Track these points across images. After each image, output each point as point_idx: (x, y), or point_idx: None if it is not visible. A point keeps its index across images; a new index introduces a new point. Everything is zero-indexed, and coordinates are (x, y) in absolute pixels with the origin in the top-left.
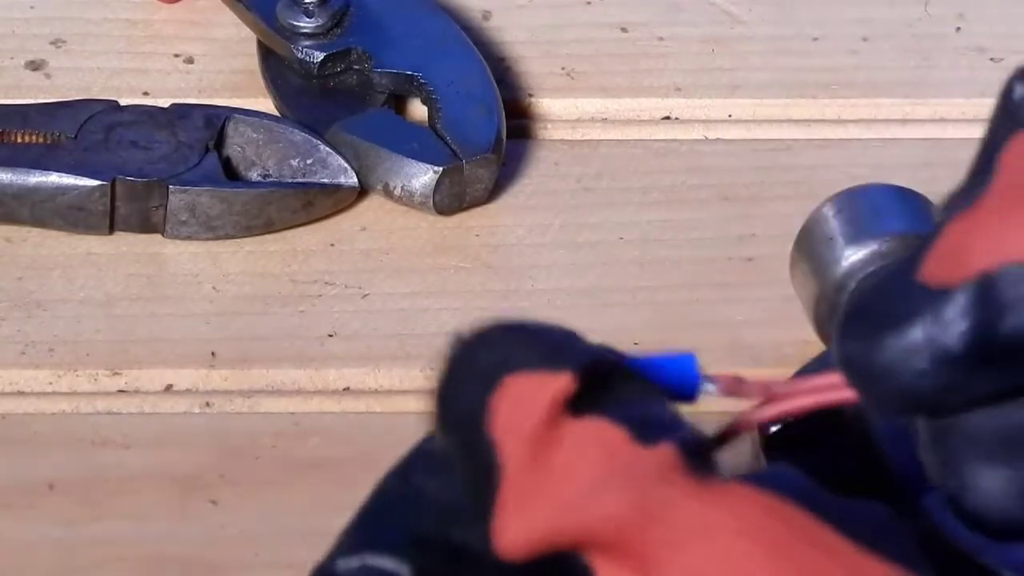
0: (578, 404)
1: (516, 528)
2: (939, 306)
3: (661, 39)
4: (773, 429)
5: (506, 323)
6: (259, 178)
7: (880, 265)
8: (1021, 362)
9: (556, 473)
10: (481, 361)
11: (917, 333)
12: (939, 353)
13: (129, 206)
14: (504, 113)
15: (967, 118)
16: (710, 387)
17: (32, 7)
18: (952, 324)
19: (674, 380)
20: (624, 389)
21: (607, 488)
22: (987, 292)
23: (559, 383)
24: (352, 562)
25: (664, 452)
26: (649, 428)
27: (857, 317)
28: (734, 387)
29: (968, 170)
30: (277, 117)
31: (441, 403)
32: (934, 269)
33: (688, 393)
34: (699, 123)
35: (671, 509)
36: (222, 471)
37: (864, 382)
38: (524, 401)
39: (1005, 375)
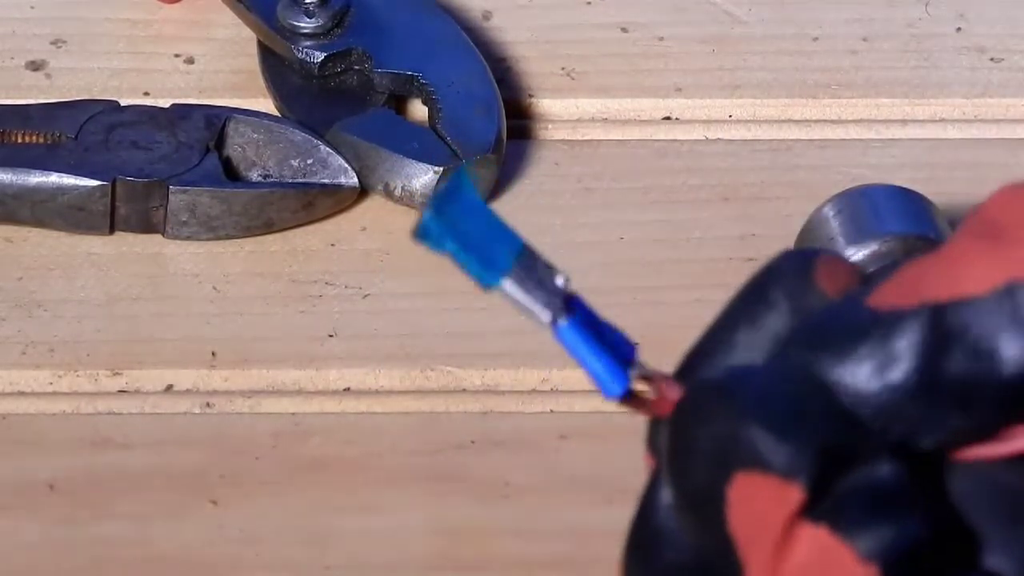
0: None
1: None
2: (887, 331)
3: (661, 39)
4: None
5: (738, 377)
6: (259, 178)
7: (880, 266)
8: (966, 400)
9: None
10: (714, 435)
11: (864, 357)
12: (883, 379)
13: (129, 206)
14: (504, 113)
15: (967, 118)
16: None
17: (32, 7)
18: (899, 352)
19: (611, 353)
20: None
21: None
22: (937, 322)
23: (792, 497)
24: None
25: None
26: (867, 534)
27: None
28: (655, 379)
29: None
30: (277, 117)
31: (675, 468)
32: (885, 297)
33: (619, 375)
34: (699, 123)
35: None
36: (222, 471)
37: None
38: (758, 507)
39: (949, 412)
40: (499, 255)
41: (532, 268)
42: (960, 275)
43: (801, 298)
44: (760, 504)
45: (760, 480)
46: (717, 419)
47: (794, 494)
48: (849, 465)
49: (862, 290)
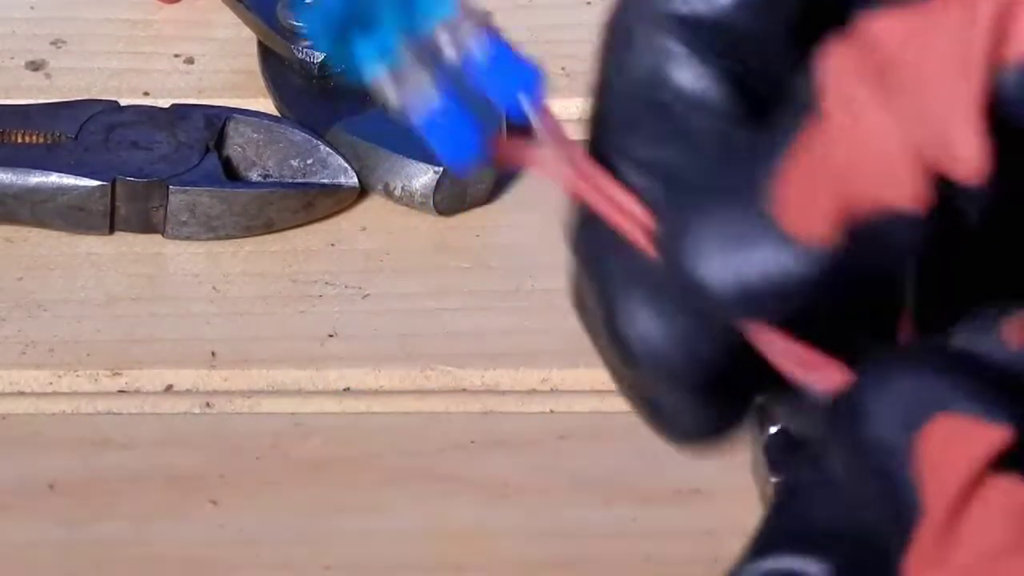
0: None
1: None
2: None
3: None
4: (773, 430)
5: (941, 351)
6: (259, 178)
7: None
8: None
9: (970, 537)
10: (915, 388)
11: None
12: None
13: (129, 206)
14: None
15: None
16: (528, 109)
17: (32, 7)
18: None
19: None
20: None
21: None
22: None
23: (995, 437)
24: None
25: None
26: None
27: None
28: (548, 129)
29: None
30: (277, 117)
31: (859, 419)
32: (785, 203)
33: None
34: None
35: None
36: (222, 471)
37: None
38: (956, 446)
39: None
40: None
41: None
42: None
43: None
44: (959, 441)
45: (960, 420)
46: (921, 378)
47: (997, 435)
48: None
49: (753, 174)
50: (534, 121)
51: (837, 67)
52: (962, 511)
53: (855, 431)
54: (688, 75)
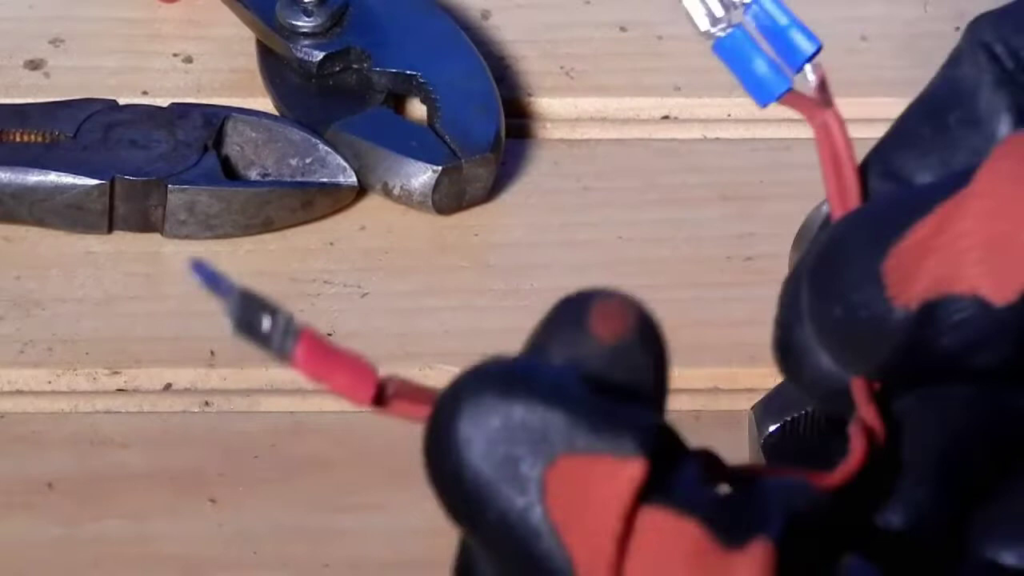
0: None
1: None
2: (889, 317)
3: (660, 38)
4: (772, 429)
5: (520, 368)
6: (258, 177)
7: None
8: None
9: None
10: (515, 422)
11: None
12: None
13: (128, 205)
14: (503, 112)
15: None
16: (810, 75)
17: (31, 6)
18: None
19: (789, 44)
20: (680, 462)
21: None
22: (925, 316)
23: (630, 473)
24: None
25: (757, 556)
26: (722, 518)
27: (823, 274)
28: (818, 95)
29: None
30: (276, 116)
31: (468, 484)
32: (894, 272)
33: (791, 62)
34: (698, 122)
35: None
36: (221, 470)
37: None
38: (591, 490)
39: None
40: None
41: None
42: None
43: (576, 347)
44: (591, 483)
45: (586, 460)
46: (514, 404)
47: (634, 470)
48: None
49: (875, 239)
50: (812, 84)
51: (1002, 153)
52: (624, 561)
53: (475, 500)
54: (989, 98)
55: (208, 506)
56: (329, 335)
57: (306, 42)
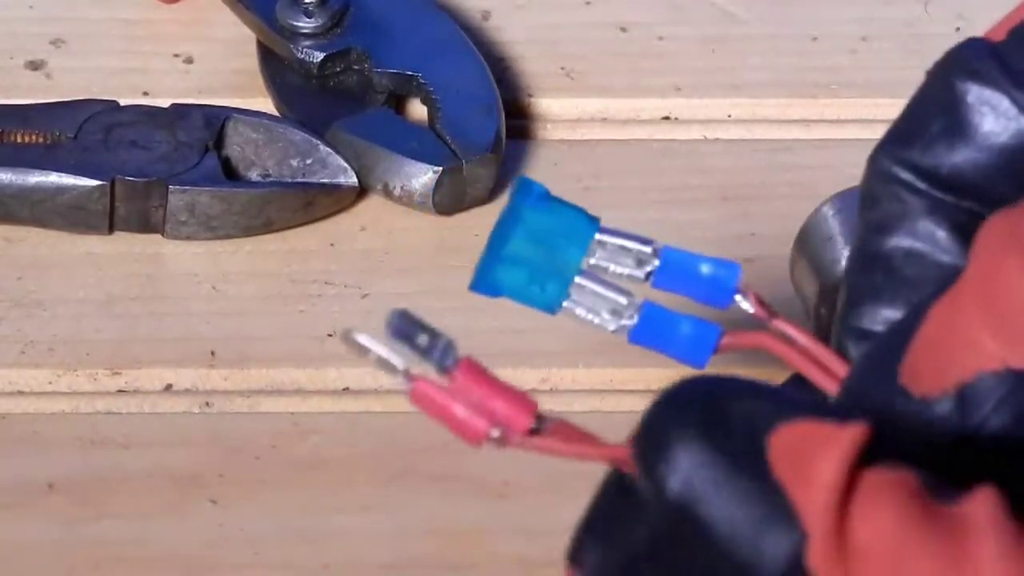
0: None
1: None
2: (922, 417)
3: (661, 39)
4: None
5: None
6: (259, 178)
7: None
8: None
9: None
10: (741, 408)
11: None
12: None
13: (129, 206)
14: (504, 113)
15: None
16: (744, 303)
17: (32, 7)
18: (936, 432)
19: (711, 282)
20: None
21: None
22: (965, 402)
23: (853, 433)
24: None
25: (980, 510)
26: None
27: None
28: (762, 313)
29: None
30: (277, 117)
31: (694, 449)
32: (914, 371)
33: (720, 300)
34: (699, 123)
35: None
36: (222, 471)
37: None
38: (812, 449)
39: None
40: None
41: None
42: (982, 347)
43: None
44: (812, 445)
45: (807, 427)
46: (737, 400)
47: (856, 432)
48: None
49: (889, 356)
50: (751, 310)
51: (990, 232)
52: (848, 512)
53: (707, 454)
54: (922, 227)
55: (208, 507)
56: (329, 336)
57: (307, 43)
